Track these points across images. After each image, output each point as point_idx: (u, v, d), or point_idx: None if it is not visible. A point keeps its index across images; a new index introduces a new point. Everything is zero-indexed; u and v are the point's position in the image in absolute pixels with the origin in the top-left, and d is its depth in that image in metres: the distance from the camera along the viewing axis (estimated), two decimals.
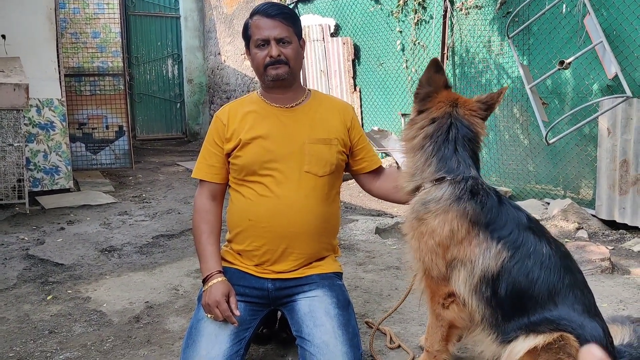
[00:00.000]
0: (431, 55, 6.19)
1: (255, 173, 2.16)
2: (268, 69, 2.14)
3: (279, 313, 2.47)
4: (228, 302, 2.05)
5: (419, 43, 6.34)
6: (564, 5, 4.71)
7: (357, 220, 4.72)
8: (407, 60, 6.54)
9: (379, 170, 2.41)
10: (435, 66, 2.03)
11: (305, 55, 8.16)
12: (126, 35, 9.03)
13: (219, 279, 2.09)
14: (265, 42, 2.13)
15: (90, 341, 2.55)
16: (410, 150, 2.08)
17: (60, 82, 5.85)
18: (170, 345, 2.50)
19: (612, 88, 4.43)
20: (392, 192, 2.33)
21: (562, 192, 5.02)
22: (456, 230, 1.95)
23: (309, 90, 2.33)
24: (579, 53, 4.37)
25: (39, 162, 5.78)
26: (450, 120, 2.02)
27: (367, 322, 2.69)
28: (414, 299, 2.91)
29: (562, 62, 4.39)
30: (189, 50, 11.01)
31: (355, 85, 7.36)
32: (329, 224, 2.24)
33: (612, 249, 3.92)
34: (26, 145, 5.46)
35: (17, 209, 5.12)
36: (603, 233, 4.33)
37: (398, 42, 6.61)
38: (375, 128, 7.00)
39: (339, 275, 2.30)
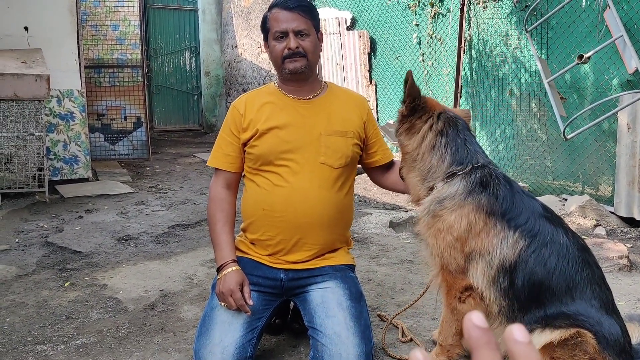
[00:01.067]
0: (448, 49, 6.15)
1: (271, 163, 2.18)
2: (286, 61, 2.15)
3: (292, 304, 2.49)
4: (242, 291, 2.07)
5: (435, 36, 6.30)
6: None
7: (371, 213, 4.72)
8: (423, 54, 6.50)
9: (390, 164, 2.43)
10: (412, 79, 2.07)
11: (321, 48, 8.06)
12: (145, 28, 9.08)
13: (233, 267, 2.11)
14: (284, 35, 2.13)
15: (106, 327, 2.60)
16: (420, 154, 2.07)
17: (80, 74, 5.93)
18: (184, 333, 2.53)
19: (633, 83, 4.36)
20: (400, 183, 2.34)
21: (580, 188, 4.96)
22: (474, 223, 1.94)
23: (325, 82, 2.34)
24: (599, 47, 4.30)
25: (58, 151, 5.87)
26: (452, 113, 2.07)
27: (379, 315, 2.70)
28: (428, 293, 2.92)
29: (581, 57, 4.33)
30: (206, 43, 11.06)
31: (370, 79, 7.34)
32: (343, 215, 2.25)
33: (631, 246, 3.86)
34: (47, 135, 5.55)
35: (37, 197, 5.22)
36: (622, 230, 4.27)
37: (414, 35, 6.57)
38: (391, 122, 6.97)
39: (351, 267, 2.31)
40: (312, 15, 2.17)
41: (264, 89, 2.31)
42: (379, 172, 2.43)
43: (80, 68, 5.92)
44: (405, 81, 2.06)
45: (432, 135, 2.04)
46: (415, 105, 2.08)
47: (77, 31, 5.89)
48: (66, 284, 3.14)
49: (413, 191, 2.14)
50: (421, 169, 2.08)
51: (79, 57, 5.91)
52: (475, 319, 0.55)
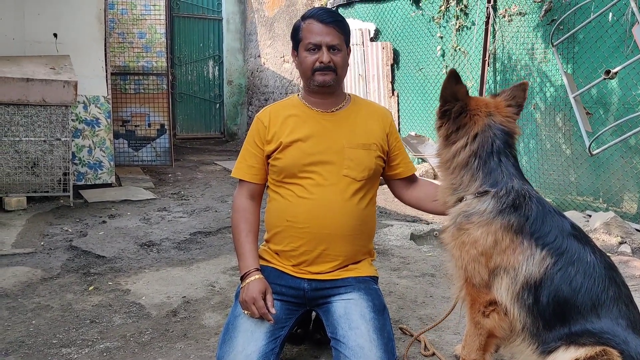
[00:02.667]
0: (472, 61, 6.12)
1: (295, 175, 2.19)
2: (316, 74, 2.16)
3: (314, 314, 2.49)
4: (265, 299, 2.08)
5: (459, 49, 6.28)
6: (611, 14, 4.59)
7: (392, 225, 4.70)
8: (447, 66, 6.48)
9: (412, 178, 2.43)
10: (456, 77, 1.99)
11: None
12: (170, 36, 9.22)
13: (257, 276, 2.12)
14: (317, 47, 2.15)
15: (129, 332, 2.62)
16: (452, 168, 2.06)
17: (106, 80, 6.04)
18: (207, 340, 2.55)
19: None
20: (424, 201, 2.36)
21: (604, 204, 4.88)
22: (500, 240, 1.93)
23: (348, 95, 2.35)
24: (626, 63, 4.25)
25: (83, 156, 5.97)
26: (491, 132, 2.01)
27: (401, 329, 2.68)
28: (449, 306, 2.89)
29: (608, 72, 4.28)
30: (229, 52, 11.18)
31: (393, 90, 7.34)
32: (366, 227, 2.25)
33: None
34: (72, 140, 5.65)
35: (61, 201, 5.31)
36: None
37: (438, 47, 6.56)
38: (413, 133, 6.96)
39: (374, 279, 2.31)
40: (345, 31, 2.19)
41: (287, 101, 2.33)
42: (401, 186, 2.42)
43: (106, 75, 6.02)
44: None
45: (464, 155, 2.02)
46: (446, 111, 2.05)
47: (105, 38, 6.00)
48: (90, 288, 3.18)
49: (442, 196, 2.14)
50: (452, 181, 2.07)
51: (106, 64, 6.02)
52: None
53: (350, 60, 7.51)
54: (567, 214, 4.87)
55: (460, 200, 2.05)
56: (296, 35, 2.22)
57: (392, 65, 7.30)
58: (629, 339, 1.86)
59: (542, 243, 1.91)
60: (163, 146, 7.31)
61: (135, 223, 4.69)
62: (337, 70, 2.17)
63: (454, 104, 2.02)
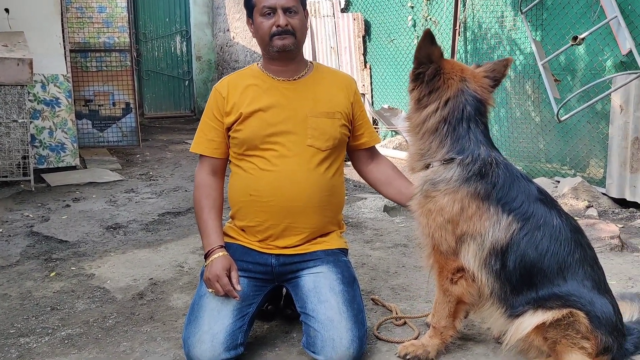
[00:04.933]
0: (443, 31, 6.07)
1: (257, 147, 2.12)
2: (274, 39, 2.08)
3: (284, 290, 2.45)
4: (229, 276, 2.02)
5: (430, 19, 6.22)
6: None
7: (365, 198, 4.68)
8: (418, 37, 6.39)
9: (375, 151, 2.40)
10: (431, 38, 1.94)
11: (315, 31, 8.00)
12: (133, 11, 8.92)
13: (220, 253, 2.07)
14: (272, 11, 2.07)
15: (92, 318, 2.54)
16: (422, 133, 2.03)
17: (65, 58, 5.79)
18: (174, 322, 2.48)
19: (626, 64, 4.31)
20: (381, 184, 2.36)
21: (572, 170, 4.94)
22: (466, 207, 1.94)
23: (311, 62, 2.28)
24: (593, 28, 4.25)
25: (44, 139, 5.76)
26: (463, 97, 1.98)
27: (373, 299, 2.66)
28: (421, 276, 2.89)
29: (575, 38, 4.28)
30: (197, 26, 10.89)
31: (365, 62, 7.25)
32: (333, 197, 2.20)
33: (622, 227, 3.87)
34: (31, 122, 5.44)
35: (22, 186, 5.12)
36: (613, 211, 4.28)
37: (409, 17, 6.49)
38: (386, 106, 6.91)
39: (344, 251, 2.27)
40: None
41: (246, 70, 2.25)
42: (364, 159, 2.38)
43: (65, 52, 5.78)
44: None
45: (434, 120, 1.99)
46: (420, 73, 2.00)
47: (61, 13, 5.74)
48: (51, 275, 3.07)
49: (410, 161, 2.12)
50: (420, 147, 2.05)
51: (64, 41, 5.77)
52: None
53: (321, 33, 7.41)
54: (536, 180, 4.89)
55: (428, 166, 2.03)
56: (249, 2, 2.13)
57: (363, 37, 7.20)
58: (594, 299, 1.91)
59: (508, 209, 1.92)
60: (129, 126, 7.10)
61: (101, 206, 4.56)
62: (296, 34, 2.10)
63: (428, 66, 1.98)
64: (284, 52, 2.10)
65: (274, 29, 2.06)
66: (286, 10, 2.06)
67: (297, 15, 2.10)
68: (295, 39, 2.10)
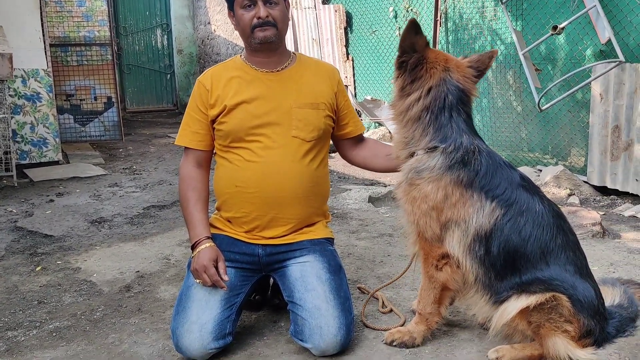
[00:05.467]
0: (424, 22, 6.09)
1: (242, 139, 2.12)
2: (255, 31, 2.09)
3: (271, 280, 2.47)
4: (216, 267, 2.03)
5: (411, 10, 6.24)
6: None
7: (350, 189, 4.70)
8: (399, 28, 6.43)
9: (360, 137, 2.41)
10: (415, 28, 1.95)
11: (297, 23, 7.95)
12: (113, 4, 8.81)
13: (207, 244, 2.07)
14: (252, 3, 2.07)
15: (80, 310, 2.54)
16: (405, 121, 2.05)
17: (45, 52, 5.72)
18: (162, 313, 2.49)
19: (605, 53, 4.38)
20: (370, 159, 2.36)
21: (554, 159, 5.01)
22: (450, 195, 1.96)
23: (294, 53, 2.28)
24: (572, 18, 4.30)
25: (26, 134, 5.69)
26: (446, 86, 1.99)
27: (359, 288, 2.69)
28: (406, 265, 2.91)
29: (555, 27, 4.33)
30: (178, 19, 10.79)
31: (347, 54, 7.26)
32: (318, 187, 2.22)
33: (604, 214, 3.94)
34: (12, 117, 5.37)
35: (4, 181, 5.06)
36: (594, 199, 4.35)
37: (390, 9, 6.50)
38: (368, 97, 6.93)
39: (330, 240, 2.29)
40: None
41: (230, 62, 2.25)
42: (349, 146, 2.40)
43: (45, 46, 5.70)
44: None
45: (417, 109, 2.01)
46: (404, 62, 2.01)
47: (40, 7, 5.66)
48: (37, 269, 3.05)
49: (395, 150, 2.13)
50: (404, 135, 2.07)
51: (44, 35, 5.69)
52: None
53: (303, 25, 7.40)
54: (519, 169, 4.98)
55: (412, 155, 2.05)
56: None
57: (345, 29, 7.20)
58: (576, 283, 1.94)
59: (491, 195, 1.94)
60: (112, 120, 7.04)
61: (85, 200, 4.53)
62: (278, 25, 2.10)
63: (411, 55, 1.99)
64: (266, 43, 2.10)
65: (255, 20, 2.06)
66: (266, 2, 2.06)
67: (278, 6, 2.10)
68: (276, 30, 2.10)
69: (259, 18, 2.06)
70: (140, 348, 2.19)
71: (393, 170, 2.25)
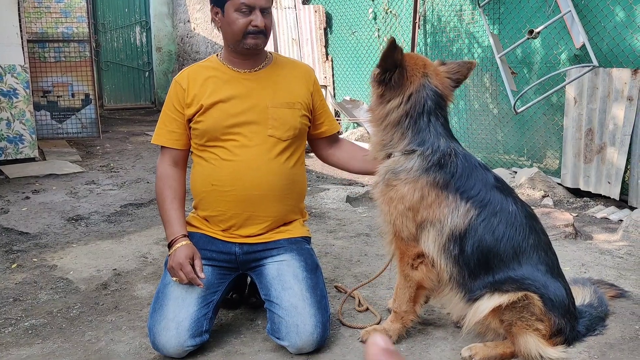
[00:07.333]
0: (403, 24, 6.16)
1: (218, 138, 2.14)
2: (248, 37, 2.09)
3: (249, 279, 2.48)
4: (193, 264, 2.05)
5: (391, 12, 6.29)
6: None
7: (328, 189, 4.73)
8: (379, 29, 6.49)
9: (335, 137, 2.44)
10: (395, 46, 1.97)
11: (276, 23, 7.93)
12: (92, 1, 8.70)
13: (184, 242, 2.08)
14: (249, 9, 2.06)
15: (56, 308, 2.52)
16: (384, 125, 2.08)
17: (22, 48, 5.64)
18: (139, 311, 2.49)
19: (580, 57, 4.48)
20: (346, 160, 2.40)
21: (529, 161, 5.10)
22: (426, 196, 2.00)
23: (270, 53, 2.30)
24: (548, 22, 4.39)
25: (1, 130, 5.59)
26: (425, 92, 2.03)
27: (336, 287, 2.72)
28: (382, 264, 2.95)
29: (531, 32, 4.41)
30: (157, 17, 10.70)
31: (327, 54, 7.29)
32: (295, 186, 2.24)
33: (576, 215, 4.02)
34: None
35: None
36: (568, 201, 4.44)
37: (370, 10, 6.54)
38: (347, 98, 6.97)
39: (307, 239, 2.32)
40: None
41: (206, 62, 2.26)
42: (324, 146, 2.42)
43: (22, 42, 5.62)
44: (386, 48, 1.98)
45: (397, 115, 2.04)
46: (384, 79, 2.04)
47: (18, 3, 5.57)
48: (13, 266, 3.02)
49: (372, 150, 2.17)
50: (382, 138, 2.10)
51: (21, 31, 5.61)
52: (379, 341, 0.60)
53: (283, 24, 7.41)
54: (494, 171, 5.05)
55: (389, 156, 2.09)
56: None
57: (325, 29, 7.23)
58: (548, 283, 1.99)
59: (466, 196, 1.99)
60: (89, 117, 6.96)
61: (61, 197, 4.48)
62: (267, 34, 2.13)
63: (394, 71, 2.02)
64: (255, 49, 2.12)
65: (250, 27, 2.07)
66: (263, 11, 2.08)
67: (270, 15, 2.13)
68: (265, 38, 2.13)
69: (255, 26, 2.07)
70: (117, 346, 2.19)
71: (368, 173, 2.30)
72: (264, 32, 2.10)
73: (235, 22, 2.08)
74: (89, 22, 6.85)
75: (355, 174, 5.26)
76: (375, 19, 6.53)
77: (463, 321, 2.05)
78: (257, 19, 2.06)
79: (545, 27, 4.41)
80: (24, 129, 5.71)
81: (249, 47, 2.10)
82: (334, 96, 7.25)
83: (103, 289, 2.73)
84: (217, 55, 2.25)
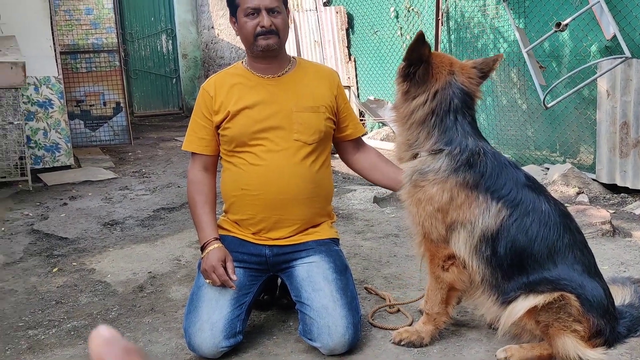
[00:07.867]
0: (426, 21, 6.12)
1: (246, 144, 2.18)
2: (258, 39, 2.13)
3: (279, 280, 2.52)
4: (225, 267, 2.09)
5: (412, 9, 6.27)
6: None
7: (354, 190, 4.73)
8: (401, 28, 6.46)
9: (360, 142, 2.45)
10: (423, 40, 1.98)
11: (298, 25, 8.00)
12: (119, 11, 8.90)
13: (216, 245, 2.13)
14: (256, 11, 2.11)
15: (96, 310, 2.61)
16: (409, 123, 2.07)
17: (56, 60, 5.82)
18: (174, 313, 2.55)
19: (611, 49, 4.37)
20: (368, 171, 2.40)
21: (562, 157, 5.00)
22: (456, 197, 1.97)
23: (293, 58, 2.33)
24: (576, 14, 4.29)
25: (39, 139, 5.79)
26: (451, 90, 2.01)
27: (366, 288, 2.71)
28: (412, 265, 2.96)
29: (558, 24, 4.32)
30: (182, 25, 10.88)
31: (349, 55, 7.30)
32: (322, 189, 2.26)
33: (614, 212, 3.87)
34: (26, 124, 5.46)
35: (20, 186, 5.15)
36: (604, 197, 4.31)
37: (392, 9, 6.53)
38: (371, 98, 6.96)
39: (335, 241, 2.33)
40: None
41: (232, 69, 2.30)
42: (350, 149, 2.43)
43: (55, 54, 5.80)
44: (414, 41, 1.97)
45: (422, 113, 2.03)
46: (409, 73, 2.03)
47: (50, 16, 5.75)
48: (54, 270, 3.13)
49: (398, 150, 2.16)
50: (408, 137, 2.08)
51: (54, 43, 5.79)
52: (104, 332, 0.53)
53: (305, 27, 7.45)
54: (525, 168, 4.98)
55: (415, 156, 2.08)
56: (233, 1, 2.18)
57: (347, 30, 7.24)
58: (584, 283, 1.92)
59: (497, 196, 1.95)
60: (120, 124, 7.14)
61: (97, 203, 4.61)
62: (280, 33, 2.15)
63: (419, 65, 2.01)
64: (268, 50, 2.16)
65: (258, 29, 2.11)
66: (270, 11, 2.11)
67: (281, 15, 2.15)
68: (278, 38, 2.15)
69: (262, 27, 2.11)
70: (154, 346, 2.25)
71: (389, 188, 2.30)
72: (275, 32, 2.13)
73: (245, 26, 2.14)
74: (117, 33, 7.02)
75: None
76: (397, 17, 6.51)
77: (497, 323, 2.01)
78: (264, 19, 2.10)
79: (574, 19, 4.31)
80: (60, 138, 5.89)
81: (261, 49, 2.14)
82: (358, 96, 7.26)
83: (139, 292, 2.81)
84: (242, 62, 2.30)
